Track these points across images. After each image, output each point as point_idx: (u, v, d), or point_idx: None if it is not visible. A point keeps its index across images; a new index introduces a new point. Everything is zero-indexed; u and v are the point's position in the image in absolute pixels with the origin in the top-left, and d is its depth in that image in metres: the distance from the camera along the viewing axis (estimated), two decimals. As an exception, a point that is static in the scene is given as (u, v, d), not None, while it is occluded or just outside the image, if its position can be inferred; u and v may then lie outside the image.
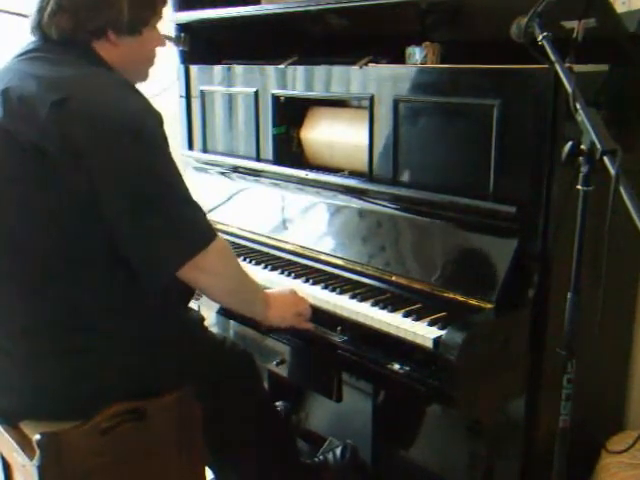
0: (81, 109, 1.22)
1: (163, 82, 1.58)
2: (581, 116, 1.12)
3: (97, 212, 1.24)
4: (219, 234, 1.36)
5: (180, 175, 1.32)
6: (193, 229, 1.31)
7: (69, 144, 1.20)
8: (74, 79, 1.27)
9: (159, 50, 1.49)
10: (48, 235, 1.27)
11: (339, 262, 1.78)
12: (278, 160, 2.10)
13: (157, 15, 1.41)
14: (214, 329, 2.10)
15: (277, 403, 2.18)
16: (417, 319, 1.47)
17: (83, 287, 1.30)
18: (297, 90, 2.00)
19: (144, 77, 1.48)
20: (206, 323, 1.62)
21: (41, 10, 1.32)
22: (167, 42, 1.52)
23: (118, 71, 1.37)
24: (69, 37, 1.32)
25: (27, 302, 1.32)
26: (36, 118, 1.21)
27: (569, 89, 1.15)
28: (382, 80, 1.73)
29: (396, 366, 1.43)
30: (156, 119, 1.28)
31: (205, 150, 2.39)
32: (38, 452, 1.25)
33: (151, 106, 1.30)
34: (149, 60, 1.47)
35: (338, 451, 1.98)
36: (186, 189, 1.32)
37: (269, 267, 1.87)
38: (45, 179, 1.24)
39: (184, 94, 2.42)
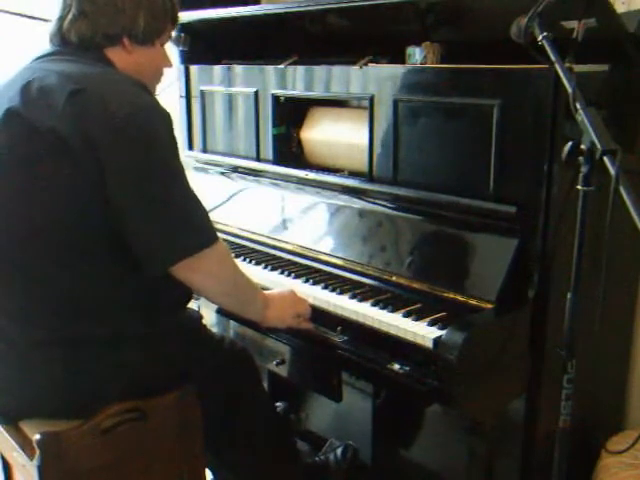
0: (96, 102, 1.25)
1: (163, 82, 1.59)
2: (581, 116, 1.12)
3: (102, 202, 1.25)
4: (220, 238, 1.36)
5: (184, 174, 1.34)
6: (194, 229, 1.32)
7: (83, 133, 1.23)
8: (92, 74, 1.32)
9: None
10: (51, 226, 1.28)
11: (339, 262, 1.78)
12: (278, 160, 2.10)
13: (167, 32, 1.48)
14: (214, 329, 2.10)
15: (277, 404, 2.18)
16: (417, 319, 1.47)
17: (82, 282, 1.31)
18: (297, 90, 2.00)
19: (152, 90, 1.50)
20: (206, 323, 1.62)
21: (62, 18, 1.38)
22: (167, 43, 1.54)
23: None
24: (87, 42, 1.37)
25: (27, 299, 1.32)
26: (54, 106, 1.24)
27: (569, 89, 1.15)
28: (382, 80, 1.73)
29: (396, 366, 1.43)
30: (166, 119, 1.31)
31: (205, 150, 2.39)
32: (38, 452, 1.25)
33: (161, 106, 1.33)
34: (157, 74, 1.52)
35: (339, 452, 1.98)
36: (190, 189, 1.33)
37: (269, 267, 1.87)
38: (58, 166, 1.25)
39: (184, 94, 2.42)
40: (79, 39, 1.37)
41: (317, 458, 1.97)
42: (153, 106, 1.31)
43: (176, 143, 1.33)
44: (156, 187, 1.27)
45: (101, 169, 1.24)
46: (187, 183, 1.33)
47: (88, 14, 1.36)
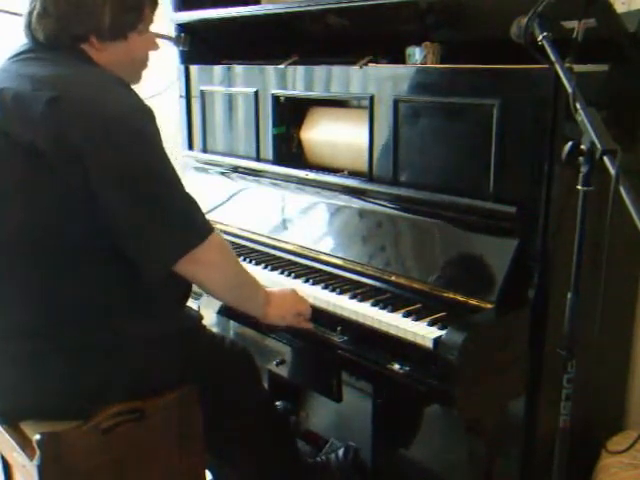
0: (75, 107, 1.22)
1: (163, 82, 1.59)
2: (581, 116, 1.12)
3: (94, 209, 1.25)
4: (215, 229, 1.36)
5: (174, 170, 1.32)
6: (190, 223, 1.32)
7: (64, 142, 1.21)
8: (67, 77, 1.28)
9: (159, 49, 1.49)
10: (46, 235, 1.27)
11: (339, 262, 1.78)
12: (278, 160, 2.10)
13: (145, 19, 1.40)
14: (214, 329, 2.10)
15: (277, 403, 2.18)
16: (417, 319, 1.47)
17: (81, 286, 1.31)
18: (297, 90, 2.00)
19: (136, 79, 1.46)
20: (206, 323, 1.62)
21: (30, 12, 1.34)
22: (167, 42, 1.52)
23: (109, 71, 1.37)
24: (54, 40, 1.33)
25: (27, 301, 1.32)
26: (31, 117, 1.22)
27: (569, 89, 1.15)
28: (382, 80, 1.73)
29: (396, 366, 1.43)
30: (148, 115, 1.29)
31: (205, 150, 2.39)
32: (38, 452, 1.25)
33: (143, 102, 1.31)
34: (138, 63, 1.46)
35: (340, 452, 1.98)
36: (181, 184, 1.32)
37: (269, 267, 1.87)
38: (42, 179, 1.24)
39: (184, 94, 2.42)
40: (46, 38, 1.33)
41: (318, 458, 1.97)
42: (138, 105, 1.29)
43: (161, 138, 1.31)
44: (151, 187, 1.27)
45: (87, 176, 1.22)
46: (177, 177, 1.32)
47: (51, 13, 1.31)
